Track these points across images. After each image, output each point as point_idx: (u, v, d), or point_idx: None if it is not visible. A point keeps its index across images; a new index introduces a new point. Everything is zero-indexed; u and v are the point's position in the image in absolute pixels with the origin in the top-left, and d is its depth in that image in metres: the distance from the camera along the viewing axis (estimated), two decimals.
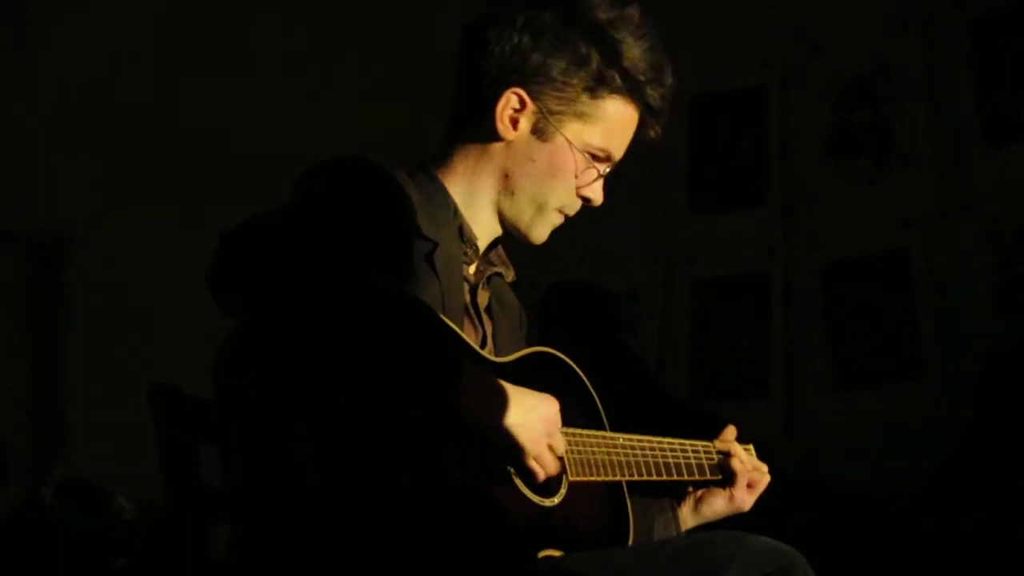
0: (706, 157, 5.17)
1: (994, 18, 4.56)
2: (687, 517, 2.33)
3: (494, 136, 2.08)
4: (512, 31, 2.05)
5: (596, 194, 2.14)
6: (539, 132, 2.08)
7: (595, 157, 2.11)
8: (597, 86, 2.08)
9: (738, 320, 5.00)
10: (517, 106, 2.07)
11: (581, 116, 2.08)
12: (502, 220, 2.14)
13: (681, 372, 5.07)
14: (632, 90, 2.10)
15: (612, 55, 2.07)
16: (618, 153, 2.14)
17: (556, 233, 2.20)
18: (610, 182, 2.18)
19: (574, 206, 2.15)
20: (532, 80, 2.06)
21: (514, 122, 2.07)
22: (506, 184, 2.11)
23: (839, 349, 4.75)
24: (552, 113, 2.07)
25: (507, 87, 2.06)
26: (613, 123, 2.11)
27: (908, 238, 4.63)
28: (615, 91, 2.09)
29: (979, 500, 3.71)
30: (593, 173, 2.12)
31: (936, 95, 4.66)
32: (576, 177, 2.11)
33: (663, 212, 5.16)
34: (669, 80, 2.13)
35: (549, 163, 2.09)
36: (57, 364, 5.28)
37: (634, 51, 2.08)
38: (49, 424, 5.19)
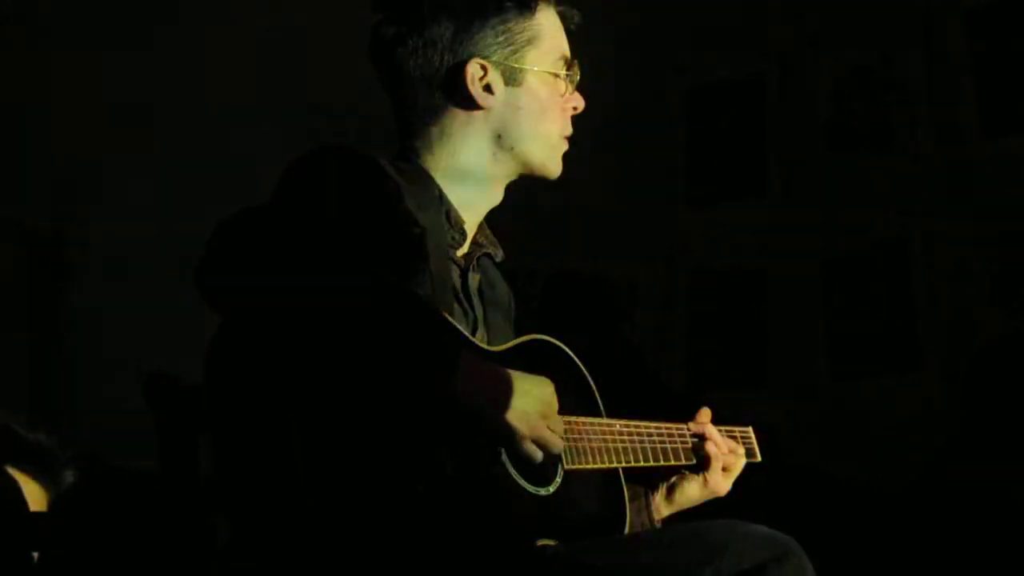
0: (705, 149, 5.17)
1: (993, 10, 4.56)
2: (660, 505, 2.30)
3: (473, 108, 2.11)
4: (429, 25, 2.10)
5: (580, 100, 2.19)
6: (511, 81, 2.12)
7: (567, 68, 2.16)
8: (523, 10, 2.12)
9: (736, 311, 5.01)
10: (481, 73, 2.10)
11: (530, 42, 2.13)
12: (520, 176, 2.17)
13: (679, 363, 5.07)
14: None
15: None
16: (569, 52, 2.19)
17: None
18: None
19: (569, 125, 2.19)
20: (477, 43, 2.10)
21: (487, 88, 2.11)
22: (502, 143, 2.13)
23: (837, 340, 4.75)
24: (509, 57, 2.11)
25: (461, 64, 2.09)
26: (552, 29, 2.16)
27: (906, 229, 4.64)
28: (533, 4, 2.13)
29: (974, 490, 3.71)
30: (571, 82, 2.17)
31: (935, 87, 4.66)
32: (561, 97, 2.16)
33: (662, 203, 5.16)
34: None
35: (535, 100, 2.14)
36: (54, 353, 5.28)
37: None
38: (46, 413, 5.19)
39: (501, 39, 2.11)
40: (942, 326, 4.54)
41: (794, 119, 4.97)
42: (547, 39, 2.14)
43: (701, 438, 2.30)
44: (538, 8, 2.14)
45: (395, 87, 2.13)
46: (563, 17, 2.19)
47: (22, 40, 5.22)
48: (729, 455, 2.30)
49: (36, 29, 5.24)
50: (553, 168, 2.18)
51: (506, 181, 2.18)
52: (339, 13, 5.21)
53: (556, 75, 2.15)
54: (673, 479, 2.30)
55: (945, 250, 4.59)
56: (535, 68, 2.13)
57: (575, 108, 2.19)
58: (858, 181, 4.78)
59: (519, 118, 2.13)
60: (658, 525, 2.28)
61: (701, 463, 2.29)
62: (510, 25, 2.11)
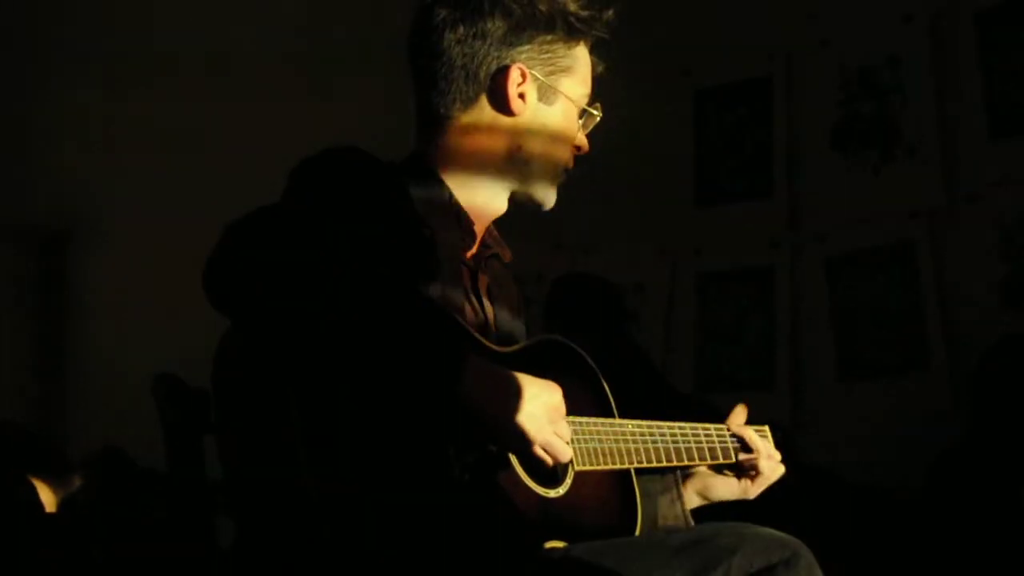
0: (712, 149, 5.17)
1: (1000, 9, 4.56)
2: (692, 497, 2.34)
3: (505, 114, 2.13)
4: (483, 17, 2.12)
5: (585, 142, 2.22)
6: (544, 98, 2.15)
7: (588, 104, 2.19)
8: (568, 37, 2.16)
9: (743, 312, 5.00)
10: (520, 80, 2.12)
11: (567, 70, 2.16)
12: (515, 193, 2.18)
13: (686, 364, 5.06)
14: (586, 30, 2.18)
15: (559, 6, 2.15)
16: (591, 94, 2.22)
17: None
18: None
19: (571, 161, 2.22)
20: (523, 52, 2.12)
21: (521, 96, 2.12)
22: (519, 156, 2.15)
23: (845, 341, 4.74)
24: (548, 76, 2.14)
25: (504, 66, 2.11)
26: (585, 66, 2.20)
27: (914, 230, 4.63)
28: (579, 36, 2.17)
29: (981, 493, 3.71)
30: (586, 121, 2.20)
31: (942, 86, 4.65)
32: (575, 133, 2.19)
33: (669, 204, 5.16)
34: (607, 13, 2.21)
35: (558, 125, 2.16)
36: (60, 356, 5.29)
37: None
38: (51, 416, 5.20)
39: (545, 56, 2.14)
40: (950, 327, 4.53)
41: (801, 120, 4.97)
42: (580, 73, 2.18)
43: (741, 440, 2.35)
44: (580, 41, 2.17)
45: (432, 72, 2.13)
46: (593, 61, 2.22)
47: (26, 43, 5.23)
48: (767, 459, 2.35)
49: (38, 31, 5.24)
50: (550, 197, 2.20)
51: (508, 193, 2.18)
52: (346, 15, 5.22)
53: (584, 109, 2.18)
54: (708, 475, 2.35)
55: (952, 251, 4.58)
56: (567, 94, 2.16)
57: (579, 148, 2.21)
58: (865, 182, 4.77)
59: (540, 135, 2.15)
60: (690, 518, 2.30)
61: (740, 465, 2.35)
62: (556, 47, 2.15)
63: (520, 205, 2.20)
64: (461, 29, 2.11)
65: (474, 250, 2.16)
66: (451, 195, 2.12)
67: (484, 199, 2.15)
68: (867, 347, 4.70)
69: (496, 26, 2.11)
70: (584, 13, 2.17)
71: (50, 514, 2.68)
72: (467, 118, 2.13)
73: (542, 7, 2.13)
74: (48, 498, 2.75)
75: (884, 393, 4.61)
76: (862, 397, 4.65)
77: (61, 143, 5.22)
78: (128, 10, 5.23)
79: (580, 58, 2.18)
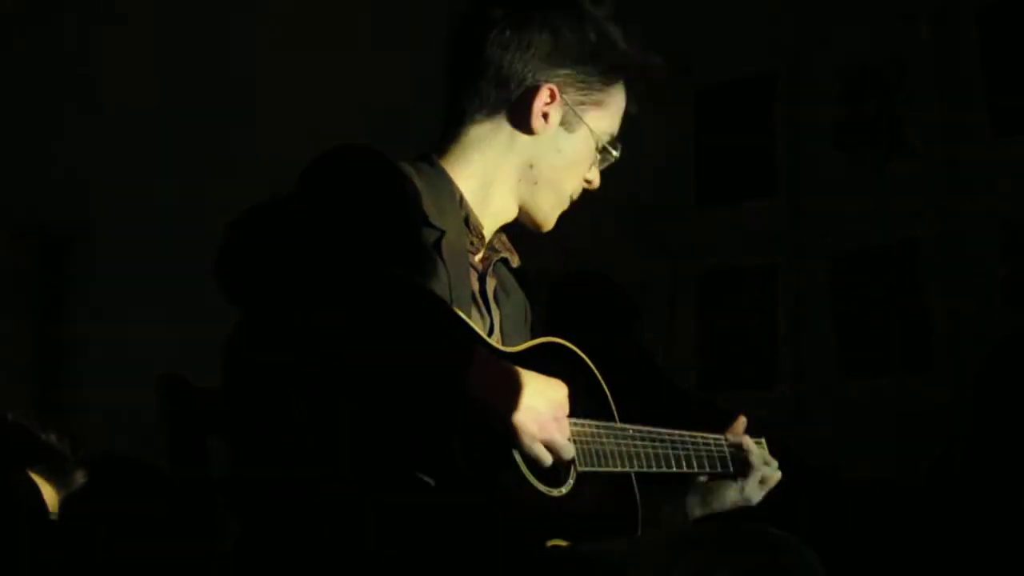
0: (714, 148, 5.16)
1: (1004, 7, 4.55)
2: (695, 507, 2.37)
3: (524, 129, 2.14)
4: (533, 30, 2.12)
5: (597, 179, 2.23)
6: (566, 124, 2.15)
7: (609, 142, 2.20)
8: (611, 73, 2.16)
9: (746, 311, 5.00)
10: (548, 100, 2.13)
11: (598, 104, 2.17)
12: (519, 210, 2.19)
13: (689, 362, 5.06)
14: (635, 72, 2.20)
15: (610, 43, 2.16)
16: (616, 135, 2.23)
17: (566, 224, 2.25)
18: (619, 171, 2.26)
19: (578, 191, 2.22)
20: (559, 74, 2.13)
21: (545, 116, 2.13)
22: (529, 174, 2.16)
23: (847, 339, 4.74)
24: (577, 104, 2.15)
25: (537, 83, 2.11)
26: (616, 107, 2.21)
27: (917, 228, 4.62)
28: (623, 75, 2.18)
29: (983, 493, 3.71)
30: (602, 158, 2.21)
31: (945, 85, 4.65)
32: (588, 166, 2.20)
33: (671, 203, 5.16)
34: (657, 59, 2.23)
35: (573, 153, 2.17)
36: (60, 356, 5.29)
37: (618, 35, 2.18)
38: (51, 416, 5.19)
39: (580, 85, 2.15)
40: (953, 325, 4.53)
41: (803, 118, 4.96)
42: (610, 112, 2.19)
43: (739, 448, 2.37)
44: (618, 82, 2.18)
45: (465, 67, 2.14)
46: (627, 101, 2.23)
47: (31, 43, 5.23)
48: (765, 467, 2.39)
49: (44, 33, 5.25)
50: (551, 223, 2.22)
51: (518, 202, 2.19)
52: (351, 15, 5.22)
53: (603, 148, 2.19)
54: (710, 484, 2.38)
55: (956, 249, 4.57)
56: (591, 127, 2.16)
57: (589, 182, 2.22)
58: (868, 180, 4.77)
59: (554, 159, 2.16)
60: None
61: (739, 473, 2.37)
62: (592, 79, 2.15)
63: (518, 221, 2.21)
64: (508, 34, 2.11)
65: (482, 253, 2.16)
66: (461, 198, 2.13)
67: (494, 205, 2.17)
68: (869, 346, 4.69)
69: (542, 43, 2.12)
70: (632, 54, 2.18)
71: (50, 514, 2.68)
72: (487, 123, 2.14)
73: (592, 36, 2.14)
74: (50, 497, 2.75)
75: (886, 392, 4.60)
76: (865, 395, 4.65)
77: (61, 143, 5.22)
78: (129, 9, 5.23)
79: (615, 96, 2.19)
